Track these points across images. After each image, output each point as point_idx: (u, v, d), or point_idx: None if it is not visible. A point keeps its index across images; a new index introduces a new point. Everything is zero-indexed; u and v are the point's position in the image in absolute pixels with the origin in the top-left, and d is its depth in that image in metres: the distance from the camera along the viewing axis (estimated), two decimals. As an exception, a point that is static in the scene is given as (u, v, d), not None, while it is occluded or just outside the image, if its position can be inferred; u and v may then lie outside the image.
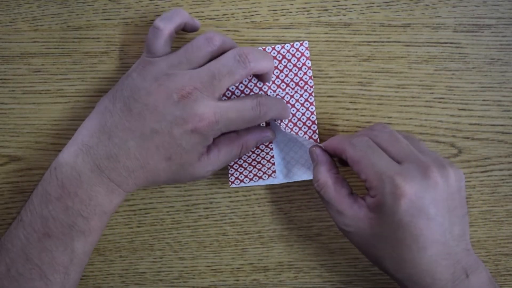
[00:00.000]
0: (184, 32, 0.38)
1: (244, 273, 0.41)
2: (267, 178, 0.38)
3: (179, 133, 0.32)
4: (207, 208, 0.40)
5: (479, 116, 0.39)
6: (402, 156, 0.31)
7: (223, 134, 0.35)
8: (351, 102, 0.39)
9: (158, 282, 0.41)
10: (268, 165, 0.38)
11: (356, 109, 0.39)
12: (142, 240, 0.40)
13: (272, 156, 0.38)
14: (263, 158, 0.38)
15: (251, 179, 0.38)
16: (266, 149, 0.38)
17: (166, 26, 0.34)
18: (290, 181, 0.38)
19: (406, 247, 0.30)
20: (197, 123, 0.32)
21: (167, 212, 0.40)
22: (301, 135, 0.38)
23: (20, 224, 0.33)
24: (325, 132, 0.39)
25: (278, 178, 0.38)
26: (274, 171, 0.38)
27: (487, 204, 0.40)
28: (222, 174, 0.40)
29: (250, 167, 0.38)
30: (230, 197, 0.40)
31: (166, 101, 0.32)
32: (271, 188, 0.40)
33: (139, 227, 0.40)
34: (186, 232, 0.40)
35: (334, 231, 0.40)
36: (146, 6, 0.39)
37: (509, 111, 0.39)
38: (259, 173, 0.38)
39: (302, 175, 0.38)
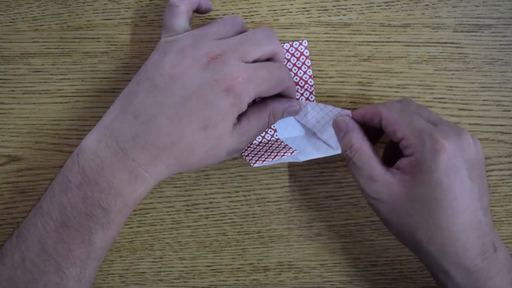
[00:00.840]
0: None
1: (244, 273, 0.41)
2: (290, 156, 0.36)
3: (212, 95, 0.30)
4: (207, 208, 0.40)
5: (479, 116, 0.39)
6: (433, 120, 0.32)
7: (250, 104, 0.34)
8: (351, 102, 0.39)
9: (158, 282, 0.41)
10: (282, 145, 0.37)
11: (356, 109, 0.39)
12: (142, 240, 0.40)
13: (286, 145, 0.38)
14: (279, 144, 0.38)
15: (273, 159, 0.36)
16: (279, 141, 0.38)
17: (182, 2, 0.33)
18: (313, 157, 0.37)
19: (442, 210, 0.30)
20: (229, 82, 0.30)
21: (167, 212, 0.40)
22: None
23: (39, 212, 0.31)
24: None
25: (300, 155, 0.37)
26: (294, 150, 0.36)
27: (487, 204, 0.40)
28: (222, 174, 0.40)
29: (265, 151, 0.37)
30: (230, 197, 0.40)
31: (194, 66, 0.31)
32: (271, 188, 0.40)
33: (139, 227, 0.40)
34: (186, 232, 0.40)
35: (334, 231, 0.40)
36: (146, 6, 0.39)
37: (509, 111, 0.39)
38: (280, 153, 0.36)
39: (323, 152, 0.37)
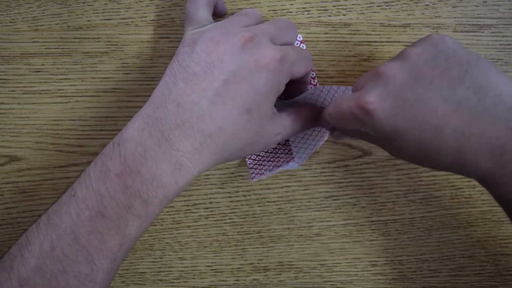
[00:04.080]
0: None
1: (244, 273, 0.41)
2: (286, 165, 0.37)
3: (253, 76, 0.30)
4: (207, 208, 0.40)
5: (479, 116, 0.39)
6: None
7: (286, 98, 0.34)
8: (351, 102, 0.39)
9: (158, 282, 0.41)
10: (286, 151, 0.38)
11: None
12: (142, 240, 0.40)
13: (288, 145, 0.38)
14: (279, 149, 0.38)
15: (270, 171, 0.37)
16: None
17: None
18: (308, 156, 0.38)
19: (424, 116, 0.27)
20: (267, 61, 0.30)
21: (167, 212, 0.40)
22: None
23: (73, 199, 0.29)
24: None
25: (296, 162, 0.38)
26: (292, 157, 0.38)
27: (487, 204, 0.40)
28: (222, 174, 0.40)
29: (268, 160, 0.38)
30: (230, 197, 0.40)
31: (229, 51, 0.30)
32: (271, 188, 0.40)
33: (139, 227, 0.40)
34: (186, 232, 0.40)
35: (334, 231, 0.40)
36: (146, 6, 0.39)
37: (509, 111, 0.39)
38: (278, 163, 0.38)
39: (317, 143, 0.37)
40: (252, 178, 0.37)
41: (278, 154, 0.39)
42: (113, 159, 0.29)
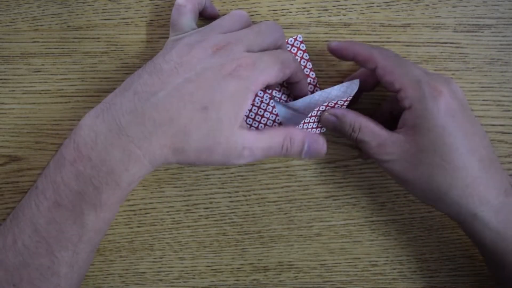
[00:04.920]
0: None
1: (244, 273, 0.41)
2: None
3: (217, 79, 0.30)
4: (207, 208, 0.40)
5: (479, 116, 0.39)
6: (423, 71, 0.33)
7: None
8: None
9: (158, 282, 0.41)
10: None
11: (356, 109, 0.39)
12: (142, 240, 0.40)
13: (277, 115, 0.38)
14: (268, 119, 0.38)
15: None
16: (272, 116, 0.38)
17: (189, 1, 0.34)
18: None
19: (454, 151, 0.31)
20: (234, 66, 0.30)
21: (167, 212, 0.40)
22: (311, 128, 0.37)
23: (34, 192, 0.30)
24: (325, 132, 0.39)
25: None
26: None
27: (487, 204, 0.40)
28: (222, 174, 0.40)
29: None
30: (230, 197, 0.40)
31: (200, 55, 0.31)
32: (271, 188, 0.40)
33: (139, 227, 0.40)
34: (186, 232, 0.40)
35: (334, 231, 0.40)
36: (146, 6, 0.39)
37: (509, 111, 0.39)
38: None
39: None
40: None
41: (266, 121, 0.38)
42: (68, 146, 0.30)
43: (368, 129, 0.33)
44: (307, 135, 0.33)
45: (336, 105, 0.35)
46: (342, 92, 0.35)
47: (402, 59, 0.34)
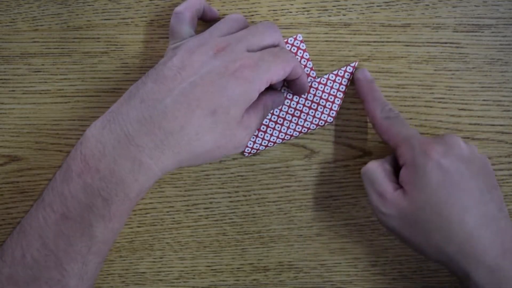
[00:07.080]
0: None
1: (244, 273, 0.41)
2: (281, 141, 0.39)
3: (222, 81, 0.30)
4: (207, 208, 0.40)
5: (479, 116, 0.39)
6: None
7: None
8: (351, 102, 0.39)
9: (158, 282, 0.41)
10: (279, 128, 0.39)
11: (356, 109, 0.39)
12: (142, 240, 0.40)
13: (284, 118, 0.39)
14: (275, 121, 0.39)
15: (265, 146, 0.39)
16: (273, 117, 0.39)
17: (187, 9, 0.34)
18: (305, 132, 0.39)
19: (450, 208, 0.30)
20: (238, 66, 0.31)
21: (167, 212, 0.40)
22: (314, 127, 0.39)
23: (41, 204, 0.30)
24: (325, 132, 0.39)
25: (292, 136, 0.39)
26: (287, 134, 0.39)
27: (487, 204, 0.40)
28: (222, 174, 0.40)
29: (261, 134, 0.39)
30: (230, 197, 0.40)
31: (202, 58, 0.31)
32: (271, 188, 0.40)
33: (139, 227, 0.40)
34: (186, 232, 0.40)
35: (334, 231, 0.40)
36: (146, 6, 0.39)
37: (509, 111, 0.39)
38: (272, 138, 0.38)
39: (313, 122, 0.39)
40: (247, 153, 0.39)
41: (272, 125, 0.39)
42: (75, 159, 0.29)
43: (376, 173, 0.34)
44: (273, 96, 0.36)
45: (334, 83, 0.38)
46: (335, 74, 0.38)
47: (401, 119, 0.35)
